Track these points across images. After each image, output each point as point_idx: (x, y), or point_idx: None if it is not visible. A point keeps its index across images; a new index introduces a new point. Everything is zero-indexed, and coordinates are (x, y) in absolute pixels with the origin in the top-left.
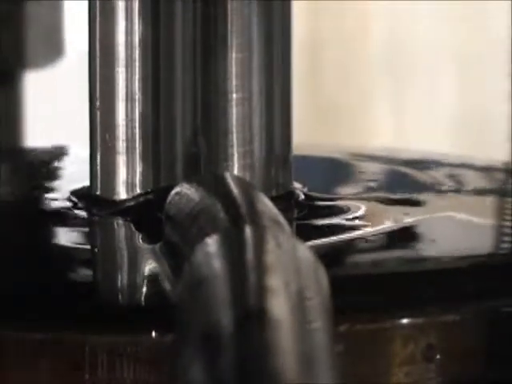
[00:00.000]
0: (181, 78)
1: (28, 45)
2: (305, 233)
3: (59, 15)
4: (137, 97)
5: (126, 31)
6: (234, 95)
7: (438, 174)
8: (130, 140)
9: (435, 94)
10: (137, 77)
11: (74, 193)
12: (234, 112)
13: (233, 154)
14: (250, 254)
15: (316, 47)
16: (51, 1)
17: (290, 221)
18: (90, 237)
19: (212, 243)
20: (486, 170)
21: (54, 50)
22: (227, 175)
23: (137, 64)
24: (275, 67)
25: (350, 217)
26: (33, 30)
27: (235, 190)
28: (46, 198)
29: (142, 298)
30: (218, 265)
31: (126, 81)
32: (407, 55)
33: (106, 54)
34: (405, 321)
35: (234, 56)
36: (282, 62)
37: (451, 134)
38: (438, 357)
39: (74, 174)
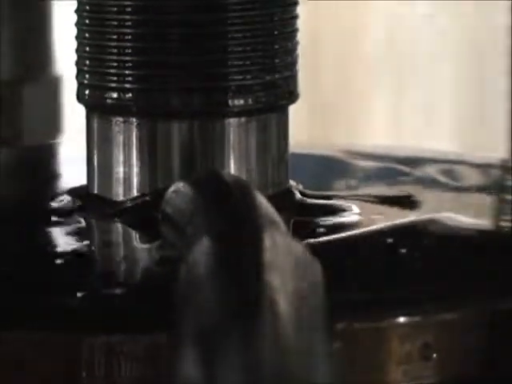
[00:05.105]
0: None
1: (26, 125)
2: (301, 231)
3: (57, 95)
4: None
5: (124, 161)
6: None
7: (434, 171)
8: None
9: (434, 91)
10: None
11: (71, 192)
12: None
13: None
14: (246, 253)
15: (314, 45)
16: (49, 82)
17: (286, 219)
18: (87, 236)
19: (208, 242)
20: (484, 167)
21: (51, 129)
22: (224, 174)
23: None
24: None
25: (346, 215)
26: (31, 111)
27: (232, 188)
28: (43, 197)
29: (139, 297)
30: (214, 264)
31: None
32: (406, 54)
33: (104, 182)
34: (402, 319)
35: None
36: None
37: (450, 133)
38: (434, 355)
39: (70, 172)
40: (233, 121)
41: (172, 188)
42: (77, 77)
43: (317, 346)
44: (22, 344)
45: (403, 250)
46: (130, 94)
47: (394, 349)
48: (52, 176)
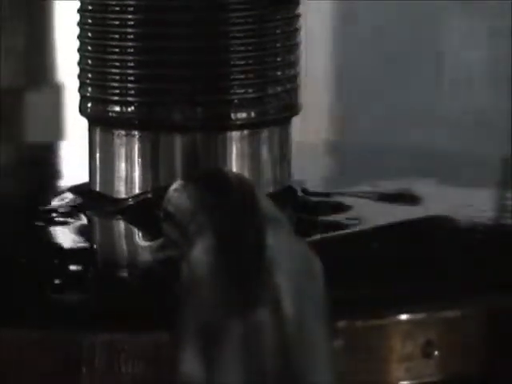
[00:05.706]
0: None
1: (27, 132)
2: (303, 228)
3: (58, 103)
4: None
5: (126, 175)
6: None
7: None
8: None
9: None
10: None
11: (73, 189)
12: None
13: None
14: (248, 251)
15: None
16: (50, 90)
17: (288, 217)
18: (89, 234)
19: (210, 240)
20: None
21: (53, 136)
22: (226, 172)
23: None
24: None
25: (347, 212)
26: (32, 118)
27: (234, 186)
28: (44, 194)
29: (141, 295)
30: (216, 262)
31: None
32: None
33: (105, 191)
34: (404, 317)
35: None
36: None
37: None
38: (436, 353)
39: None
40: (235, 134)
41: (174, 186)
42: (79, 89)
43: (318, 343)
44: (22, 343)
45: (405, 248)
46: (132, 107)
47: (396, 346)
48: (54, 175)
